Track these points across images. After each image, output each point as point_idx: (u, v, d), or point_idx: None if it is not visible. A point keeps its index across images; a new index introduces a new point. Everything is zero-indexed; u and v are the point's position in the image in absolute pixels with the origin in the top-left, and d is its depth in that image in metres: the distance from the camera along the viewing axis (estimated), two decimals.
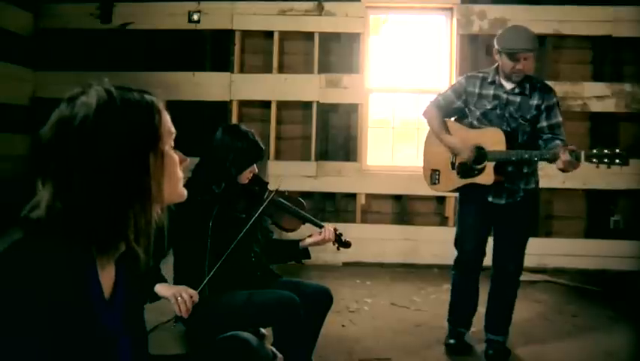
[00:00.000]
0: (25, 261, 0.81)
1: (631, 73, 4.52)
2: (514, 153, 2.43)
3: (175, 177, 0.99)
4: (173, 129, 0.99)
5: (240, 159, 2.13)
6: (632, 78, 4.49)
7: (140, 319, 1.08)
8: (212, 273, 1.93)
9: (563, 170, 2.32)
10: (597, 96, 4.48)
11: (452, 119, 2.76)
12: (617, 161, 2.18)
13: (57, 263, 0.82)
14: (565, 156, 2.25)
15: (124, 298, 0.97)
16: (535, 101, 2.52)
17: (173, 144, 0.99)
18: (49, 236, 0.84)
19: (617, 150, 2.18)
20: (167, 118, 0.98)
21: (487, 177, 2.52)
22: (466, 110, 2.69)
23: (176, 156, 0.99)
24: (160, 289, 1.85)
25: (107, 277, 0.93)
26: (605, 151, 2.20)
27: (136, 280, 1.01)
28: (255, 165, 2.20)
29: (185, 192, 1.02)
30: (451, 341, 2.74)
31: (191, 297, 1.79)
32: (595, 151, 2.22)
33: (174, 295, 1.78)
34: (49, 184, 0.87)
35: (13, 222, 0.87)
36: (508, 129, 2.53)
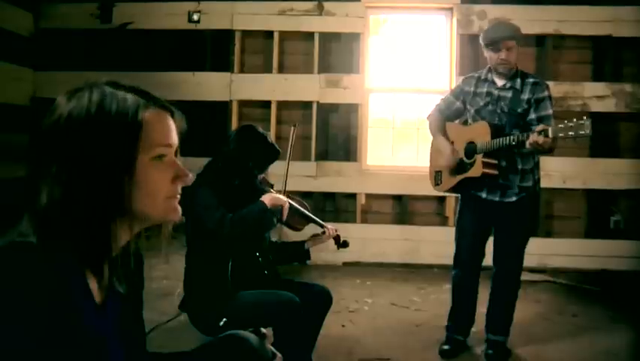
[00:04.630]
0: (5, 263, 0.79)
1: (631, 73, 4.52)
2: (497, 141, 2.46)
3: (158, 195, 0.90)
4: (166, 140, 0.91)
5: (262, 159, 2.19)
6: (632, 78, 4.49)
7: (139, 321, 1.06)
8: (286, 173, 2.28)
9: (532, 146, 2.31)
10: (597, 96, 4.48)
11: (457, 121, 2.83)
12: (582, 132, 2.17)
13: (37, 266, 0.79)
14: (533, 137, 2.27)
15: (119, 302, 0.95)
16: (526, 96, 2.56)
17: (166, 154, 0.91)
18: (31, 236, 0.82)
19: (581, 121, 2.16)
20: (159, 129, 0.90)
21: (476, 169, 2.56)
22: (466, 110, 2.75)
23: (163, 172, 0.90)
24: (272, 200, 2.08)
25: (97, 282, 0.90)
26: (570, 124, 2.19)
27: (134, 284, 0.99)
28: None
29: (178, 211, 0.94)
30: (445, 347, 2.73)
31: None
32: (561, 125, 2.22)
33: (285, 203, 2.13)
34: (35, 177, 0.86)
35: (14, 223, 0.86)
36: (499, 123, 2.56)
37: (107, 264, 0.90)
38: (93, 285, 0.89)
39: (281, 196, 2.13)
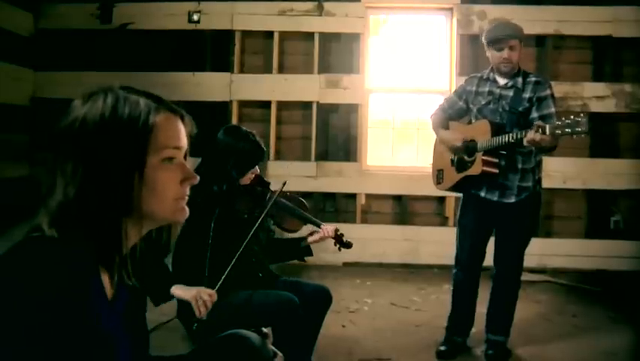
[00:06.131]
0: (26, 259, 0.81)
1: (631, 73, 4.52)
2: (496, 139, 2.46)
3: (167, 196, 0.93)
4: (175, 143, 0.94)
5: (242, 162, 2.15)
6: (632, 78, 4.49)
7: (142, 321, 1.08)
8: (227, 272, 1.93)
9: (529, 143, 2.31)
10: (597, 96, 4.48)
11: (459, 121, 2.84)
12: (578, 129, 2.16)
13: (56, 260, 0.81)
14: (530, 134, 2.27)
15: (126, 300, 0.97)
16: (527, 94, 2.56)
17: (174, 156, 0.94)
18: (47, 232, 0.85)
19: (578, 118, 2.16)
20: (169, 132, 0.93)
21: (476, 167, 2.56)
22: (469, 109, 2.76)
23: (172, 174, 0.93)
24: (178, 291, 1.87)
25: (109, 278, 0.92)
26: (567, 121, 2.19)
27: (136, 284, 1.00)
28: (257, 167, 2.21)
29: (186, 212, 0.97)
30: (442, 348, 2.73)
31: (210, 296, 1.82)
32: (558, 123, 2.23)
33: (195, 298, 1.81)
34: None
35: (14, 222, 0.87)
36: (500, 122, 2.57)
37: (117, 262, 0.92)
38: (105, 282, 0.91)
39: (194, 292, 1.84)
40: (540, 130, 2.25)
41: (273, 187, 2.28)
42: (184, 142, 0.96)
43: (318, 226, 2.30)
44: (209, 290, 1.85)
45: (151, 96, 0.94)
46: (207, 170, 2.11)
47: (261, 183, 2.25)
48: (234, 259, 1.95)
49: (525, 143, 2.31)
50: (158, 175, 0.91)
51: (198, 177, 0.97)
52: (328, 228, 2.29)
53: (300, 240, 2.33)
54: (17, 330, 0.76)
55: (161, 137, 0.92)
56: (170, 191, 0.93)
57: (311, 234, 2.31)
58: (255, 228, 2.04)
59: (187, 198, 0.97)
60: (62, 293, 0.79)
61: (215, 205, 2.06)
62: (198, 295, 1.82)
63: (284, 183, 2.19)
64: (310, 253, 2.35)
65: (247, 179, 2.20)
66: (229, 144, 2.14)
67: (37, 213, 0.87)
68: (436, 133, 2.85)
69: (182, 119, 0.97)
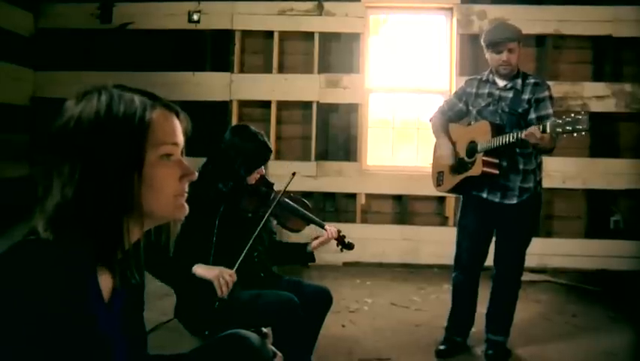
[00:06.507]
0: (22, 262, 0.80)
1: (631, 73, 4.52)
2: (497, 139, 2.46)
3: (166, 193, 0.92)
4: (173, 139, 0.94)
5: (250, 161, 2.16)
6: (632, 78, 4.49)
7: (140, 322, 1.07)
8: (243, 255, 1.96)
9: (529, 141, 2.33)
10: (597, 96, 4.48)
11: (459, 122, 2.83)
12: (579, 127, 2.17)
13: (52, 264, 0.81)
14: (530, 129, 2.28)
15: (123, 301, 0.96)
16: (526, 96, 2.56)
17: (173, 153, 0.94)
18: (43, 234, 0.84)
19: (578, 116, 2.18)
20: (166, 129, 0.93)
21: (476, 168, 2.56)
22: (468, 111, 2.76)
23: (171, 170, 0.93)
24: (200, 270, 1.90)
25: (106, 280, 0.91)
26: (567, 119, 2.20)
27: (136, 284, 1.00)
28: (262, 167, 2.23)
29: (185, 209, 0.96)
30: (441, 347, 2.73)
31: (231, 277, 1.87)
32: (559, 121, 2.23)
33: (217, 277, 1.86)
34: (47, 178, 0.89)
35: (14, 222, 0.87)
36: (500, 123, 2.57)
37: (119, 259, 0.92)
38: (102, 283, 0.90)
39: (217, 271, 1.88)
40: (541, 127, 2.25)
41: (276, 187, 2.29)
42: (181, 139, 0.96)
43: (322, 226, 2.30)
44: (229, 270, 1.90)
45: (145, 94, 0.94)
46: (214, 168, 2.13)
47: (266, 183, 2.26)
48: (245, 249, 1.97)
49: (523, 136, 2.31)
50: (156, 172, 0.91)
51: (197, 174, 0.97)
52: (332, 229, 2.30)
53: (305, 245, 2.33)
54: (13, 333, 0.76)
55: (159, 133, 0.91)
56: (169, 188, 0.93)
57: (316, 238, 2.31)
58: (260, 226, 2.05)
59: (186, 195, 0.96)
60: (58, 296, 0.78)
61: (220, 203, 2.07)
62: (220, 275, 1.86)
63: (293, 174, 2.21)
64: (313, 259, 2.35)
65: (253, 178, 2.21)
66: (236, 143, 2.15)
67: (34, 214, 0.86)
68: (436, 137, 2.82)
69: (178, 115, 0.97)
